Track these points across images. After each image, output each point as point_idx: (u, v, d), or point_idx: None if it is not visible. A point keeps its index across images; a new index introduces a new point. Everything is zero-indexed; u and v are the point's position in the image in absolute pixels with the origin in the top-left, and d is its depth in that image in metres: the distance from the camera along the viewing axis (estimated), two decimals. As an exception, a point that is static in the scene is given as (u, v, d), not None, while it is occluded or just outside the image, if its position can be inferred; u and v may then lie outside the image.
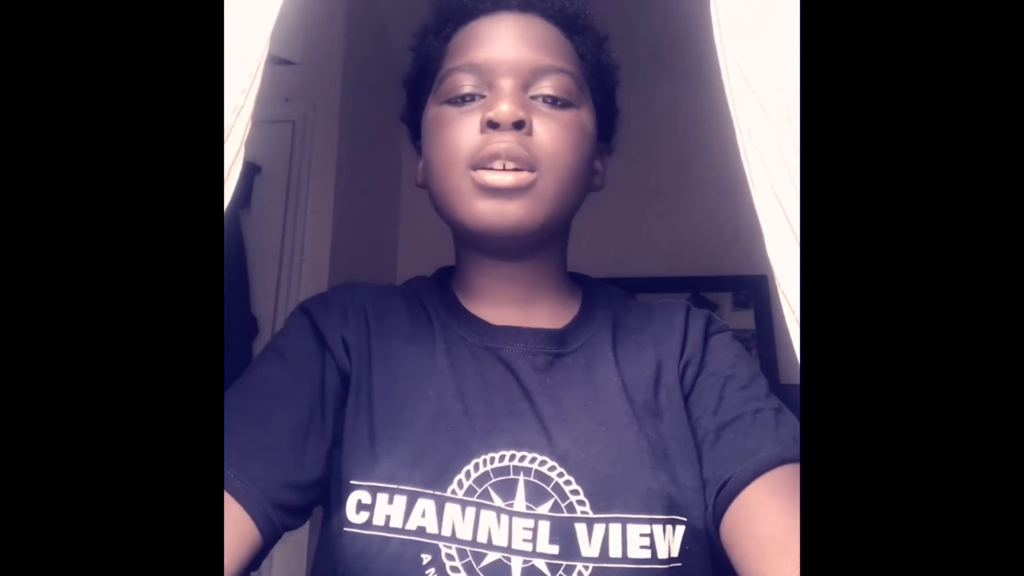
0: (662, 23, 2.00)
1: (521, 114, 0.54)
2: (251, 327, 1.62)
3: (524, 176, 0.54)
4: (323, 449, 0.53)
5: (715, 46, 0.41)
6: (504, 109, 0.54)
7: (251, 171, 1.72)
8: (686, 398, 0.57)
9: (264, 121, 1.80)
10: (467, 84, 0.57)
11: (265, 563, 1.55)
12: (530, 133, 0.55)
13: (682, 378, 0.58)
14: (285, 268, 1.69)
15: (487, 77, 0.57)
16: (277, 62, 1.74)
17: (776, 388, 0.56)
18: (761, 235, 0.38)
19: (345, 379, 0.57)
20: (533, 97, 0.57)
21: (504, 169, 0.54)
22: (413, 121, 0.65)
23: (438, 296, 0.63)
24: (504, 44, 0.57)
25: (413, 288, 0.65)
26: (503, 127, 0.54)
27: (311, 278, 1.66)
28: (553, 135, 0.56)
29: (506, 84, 0.56)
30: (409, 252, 2.29)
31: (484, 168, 0.54)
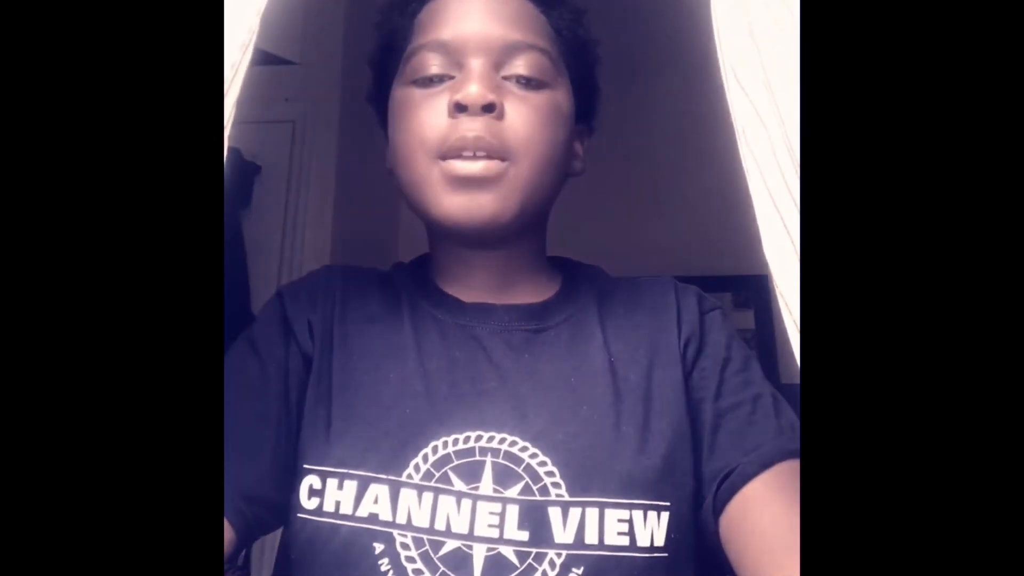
0: (663, 23, 2.00)
1: (491, 97, 0.51)
2: (251, 327, 1.62)
3: (495, 165, 0.51)
4: (293, 439, 0.52)
5: (715, 44, 0.41)
6: (473, 91, 0.51)
7: (251, 171, 1.72)
8: (687, 376, 0.55)
9: (264, 121, 1.80)
10: (435, 64, 0.54)
11: (266, 557, 1.53)
12: (501, 117, 0.52)
13: (684, 356, 0.55)
14: (285, 268, 1.69)
15: (456, 56, 0.53)
16: (277, 62, 1.73)
17: (776, 388, 0.56)
18: (760, 236, 0.38)
19: (309, 364, 0.55)
20: (505, 78, 0.54)
21: (475, 156, 0.51)
22: (380, 102, 0.61)
23: (412, 278, 0.61)
24: (474, 20, 0.54)
25: (390, 272, 0.63)
26: (472, 111, 0.51)
27: (311, 278, 1.66)
28: (526, 119, 0.53)
29: (476, 64, 0.53)
30: (409, 251, 2.28)
31: (452, 158, 0.51)
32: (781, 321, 0.37)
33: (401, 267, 0.64)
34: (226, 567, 0.48)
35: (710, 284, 2.26)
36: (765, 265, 0.37)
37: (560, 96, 0.56)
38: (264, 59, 1.42)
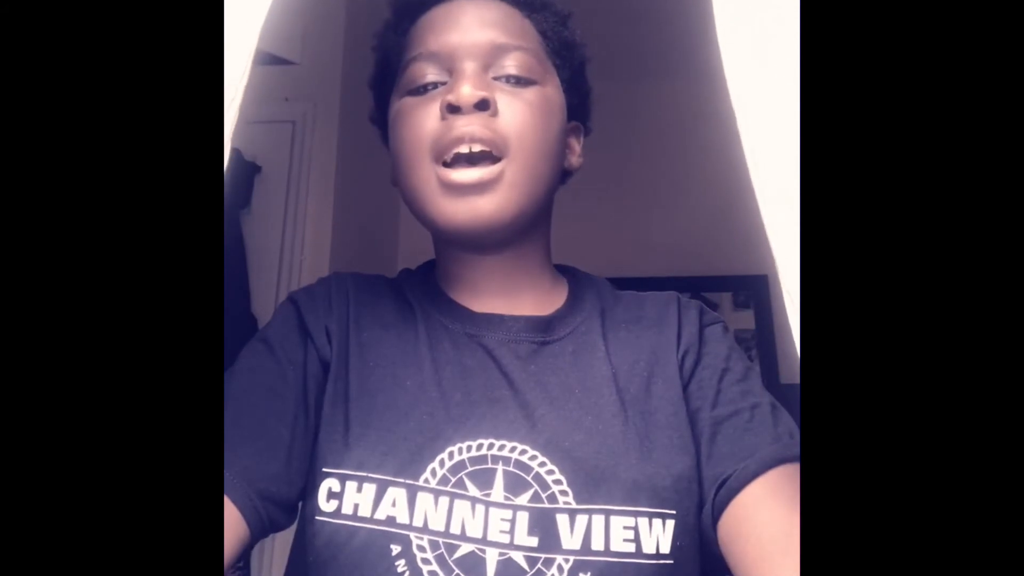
0: (664, 23, 2.00)
1: (482, 94, 0.52)
2: (251, 327, 1.62)
3: (491, 169, 0.52)
4: (309, 440, 0.53)
5: (717, 45, 0.41)
6: (465, 91, 0.52)
7: (251, 171, 1.72)
8: (684, 387, 0.56)
9: (264, 121, 1.81)
10: (428, 73, 0.56)
11: (266, 557, 1.53)
12: (495, 114, 0.53)
13: (681, 367, 0.57)
14: (285, 268, 1.69)
15: (447, 63, 0.55)
16: (277, 62, 1.73)
17: (776, 388, 0.56)
18: (761, 235, 0.38)
19: (326, 368, 0.56)
20: (496, 78, 0.55)
21: (471, 153, 0.52)
22: (382, 122, 0.63)
23: (421, 286, 0.62)
24: (461, 28, 0.56)
25: (399, 279, 0.64)
26: (465, 109, 0.52)
27: (311, 278, 1.65)
28: (518, 113, 0.54)
29: (466, 67, 0.54)
30: (409, 252, 2.29)
31: (450, 161, 0.53)
32: (781, 321, 0.37)
33: (409, 275, 0.65)
34: (229, 566, 0.48)
35: (710, 284, 2.28)
36: (765, 265, 0.37)
37: (550, 91, 0.57)
38: (264, 59, 1.43)
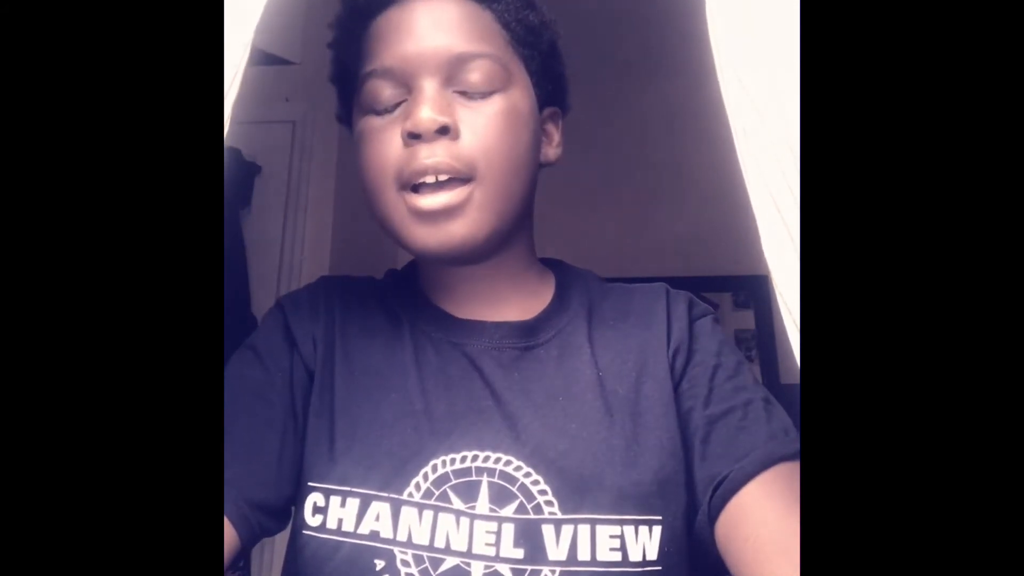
0: (661, 23, 2.00)
1: (442, 120, 0.50)
2: (251, 327, 1.62)
3: (459, 193, 0.51)
4: (298, 446, 0.52)
5: (713, 46, 0.41)
6: (423, 117, 0.50)
7: (251, 171, 1.73)
8: (676, 386, 0.55)
9: (264, 121, 1.80)
10: (385, 91, 0.53)
11: (266, 557, 1.52)
12: (456, 137, 0.51)
13: (672, 366, 0.55)
14: (285, 268, 1.70)
15: (404, 79, 0.52)
16: (277, 62, 1.73)
17: (776, 388, 0.56)
18: (760, 236, 0.38)
19: (312, 376, 0.55)
20: (457, 91, 0.52)
21: (437, 182, 0.50)
22: (349, 121, 0.60)
23: (406, 291, 0.61)
24: (416, 36, 0.52)
25: (384, 282, 0.63)
26: (426, 137, 0.50)
27: (311, 278, 1.66)
28: (482, 133, 0.51)
29: (425, 85, 0.52)
30: (409, 252, 2.28)
31: (416, 188, 0.51)
32: (781, 321, 0.37)
33: (394, 277, 0.64)
34: (227, 568, 0.48)
35: (710, 284, 2.28)
36: (765, 265, 0.37)
37: (517, 96, 0.54)
38: (264, 59, 1.43)
